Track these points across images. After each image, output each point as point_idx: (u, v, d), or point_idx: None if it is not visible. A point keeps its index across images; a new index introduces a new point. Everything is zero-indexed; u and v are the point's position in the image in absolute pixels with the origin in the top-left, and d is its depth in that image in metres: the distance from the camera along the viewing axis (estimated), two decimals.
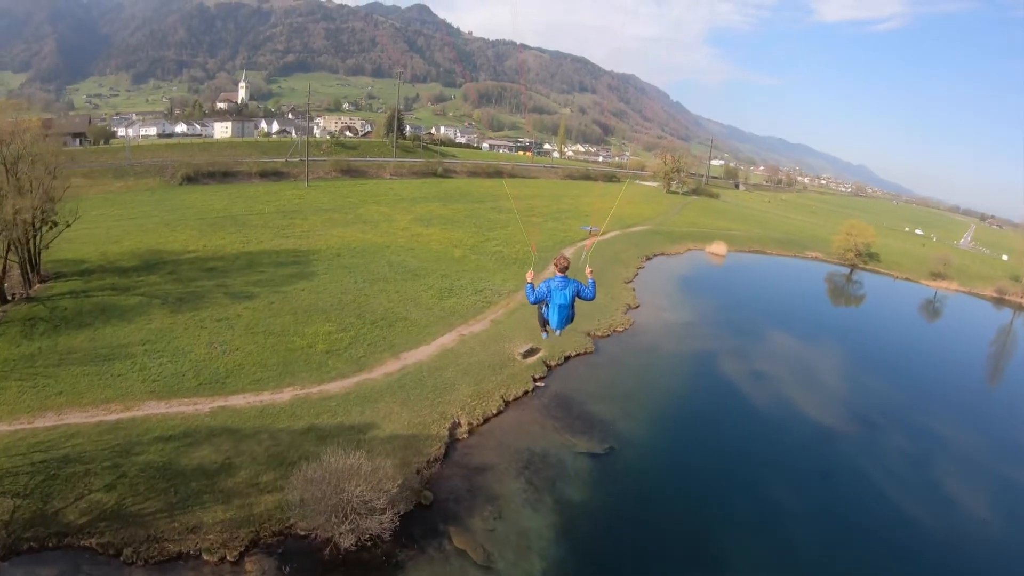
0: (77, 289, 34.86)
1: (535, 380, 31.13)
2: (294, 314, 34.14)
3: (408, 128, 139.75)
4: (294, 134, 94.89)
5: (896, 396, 38.40)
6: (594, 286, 10.92)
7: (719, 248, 73.31)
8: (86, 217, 54.56)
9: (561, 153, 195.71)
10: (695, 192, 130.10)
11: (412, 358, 30.80)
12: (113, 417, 23.46)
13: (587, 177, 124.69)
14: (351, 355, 30.18)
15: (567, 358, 34.42)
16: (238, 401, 25.38)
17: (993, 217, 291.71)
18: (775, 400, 34.44)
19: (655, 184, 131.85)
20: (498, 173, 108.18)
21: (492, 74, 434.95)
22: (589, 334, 37.94)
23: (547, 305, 11.14)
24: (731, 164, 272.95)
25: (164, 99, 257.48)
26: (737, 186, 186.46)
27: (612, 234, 69.71)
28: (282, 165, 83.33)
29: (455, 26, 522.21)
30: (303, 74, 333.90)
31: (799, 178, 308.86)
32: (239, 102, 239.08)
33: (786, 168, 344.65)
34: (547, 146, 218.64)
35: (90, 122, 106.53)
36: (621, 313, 43.00)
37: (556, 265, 10.92)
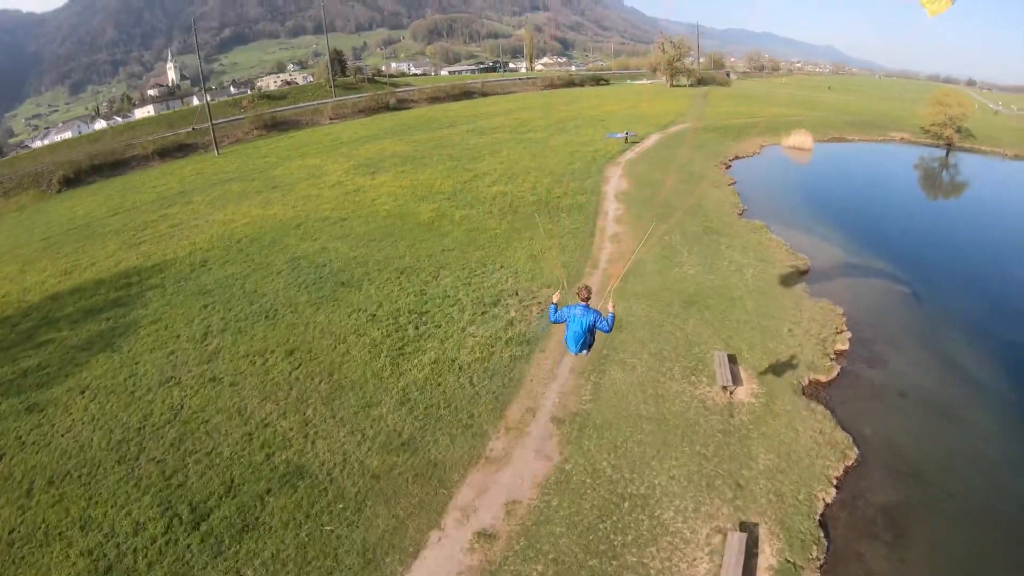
0: None
1: None
2: None
3: (350, 64, 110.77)
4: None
5: None
6: (612, 320, 9.68)
7: (802, 140, 48.04)
8: None
9: (530, 67, 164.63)
10: (701, 83, 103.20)
11: None
12: None
13: (571, 83, 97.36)
14: None
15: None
16: None
17: (978, 83, 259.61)
18: None
19: (652, 82, 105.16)
20: (466, 94, 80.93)
21: (438, 8, 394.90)
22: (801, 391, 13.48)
23: (567, 328, 9.90)
24: (703, 59, 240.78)
25: (104, 102, 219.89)
26: (728, 75, 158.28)
27: (653, 139, 44.33)
28: (186, 136, 58.52)
29: None
30: (243, 47, 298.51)
31: (781, 64, 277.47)
32: (170, 85, 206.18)
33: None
34: (512, 64, 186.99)
35: None
36: (800, 288, 18.36)
37: (579, 295, 9.78)
